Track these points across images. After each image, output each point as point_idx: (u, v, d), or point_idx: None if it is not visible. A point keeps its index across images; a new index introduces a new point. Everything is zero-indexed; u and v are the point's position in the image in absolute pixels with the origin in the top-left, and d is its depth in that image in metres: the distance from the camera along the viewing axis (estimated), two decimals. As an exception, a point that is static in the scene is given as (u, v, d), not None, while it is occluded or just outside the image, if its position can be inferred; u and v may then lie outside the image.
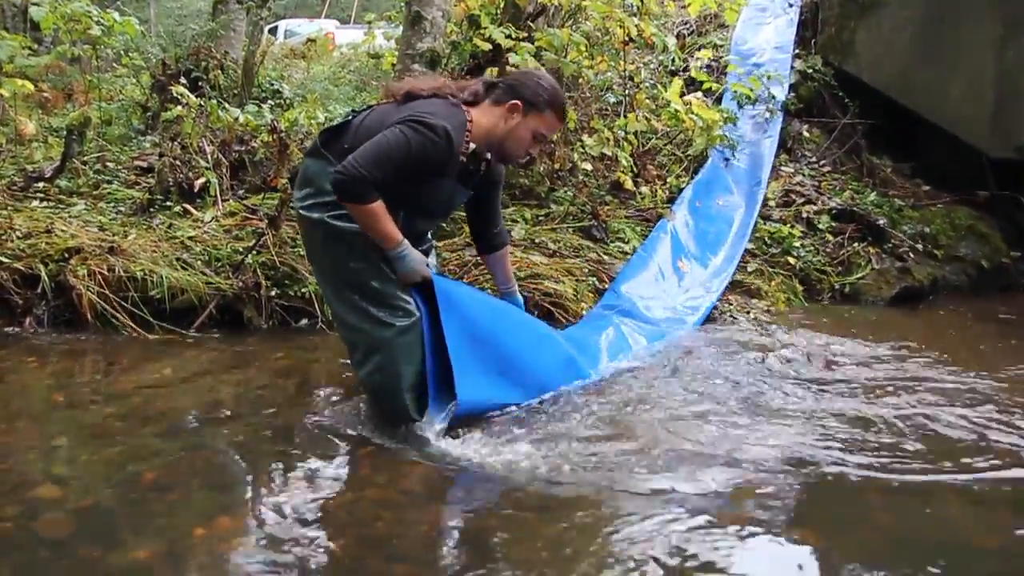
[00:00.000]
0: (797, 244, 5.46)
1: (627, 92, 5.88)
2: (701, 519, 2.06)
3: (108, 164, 5.49)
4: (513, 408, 2.78)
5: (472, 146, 2.62)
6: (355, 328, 2.62)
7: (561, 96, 2.71)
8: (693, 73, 6.18)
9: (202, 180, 4.75)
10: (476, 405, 2.66)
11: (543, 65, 4.99)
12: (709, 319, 4.44)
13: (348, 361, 3.32)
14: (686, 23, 8.37)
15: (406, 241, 2.58)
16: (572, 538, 2.00)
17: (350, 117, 2.71)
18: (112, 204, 4.89)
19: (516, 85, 2.66)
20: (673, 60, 6.56)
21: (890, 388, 3.27)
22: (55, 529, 1.96)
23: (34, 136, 5.94)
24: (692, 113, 5.30)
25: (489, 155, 2.71)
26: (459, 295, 2.76)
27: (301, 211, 2.66)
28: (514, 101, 2.61)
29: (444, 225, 4.46)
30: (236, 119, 4.95)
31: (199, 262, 4.08)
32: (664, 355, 3.67)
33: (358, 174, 2.40)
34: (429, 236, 2.96)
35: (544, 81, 2.69)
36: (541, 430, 2.64)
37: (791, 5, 8.17)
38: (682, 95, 5.38)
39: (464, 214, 4.34)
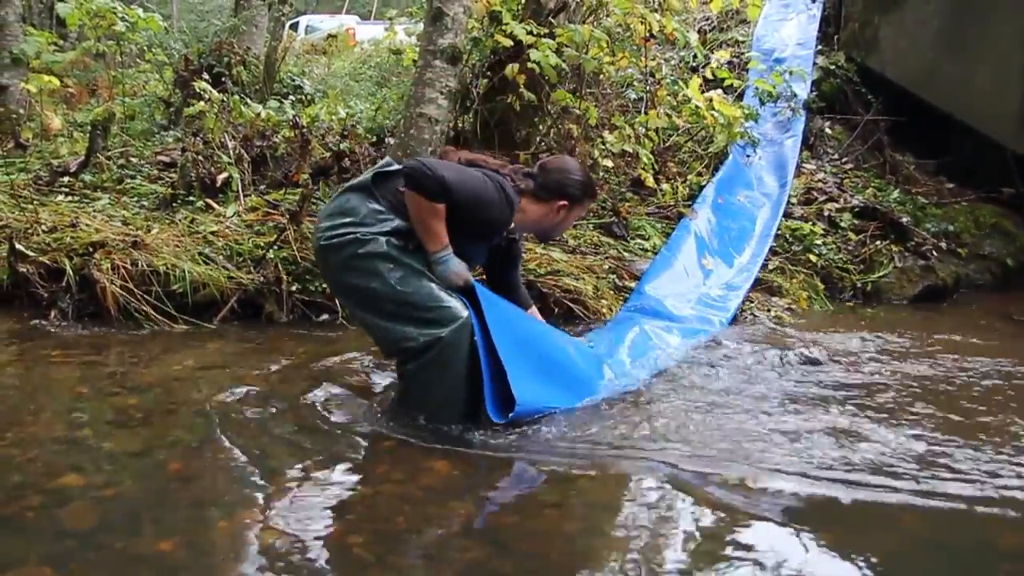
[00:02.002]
0: (819, 242, 5.43)
1: (648, 88, 5.86)
2: (723, 524, 2.05)
3: (132, 159, 5.55)
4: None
5: (513, 225, 2.83)
6: (400, 337, 2.56)
7: (591, 181, 2.99)
8: (709, 73, 6.15)
9: (224, 175, 4.79)
10: (528, 408, 2.61)
11: (564, 61, 4.98)
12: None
13: (368, 357, 3.36)
14: (708, 19, 8.33)
15: (450, 247, 2.59)
16: (594, 536, 2.00)
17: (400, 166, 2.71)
18: (135, 199, 4.93)
19: (559, 185, 2.85)
20: (695, 56, 6.52)
21: (912, 388, 3.24)
22: (79, 519, 1.98)
23: (59, 131, 6.01)
24: (713, 110, 5.27)
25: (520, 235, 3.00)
26: (499, 302, 2.76)
27: (324, 242, 2.62)
28: (562, 202, 2.84)
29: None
30: (258, 115, 4.99)
31: (221, 257, 4.11)
32: (692, 355, 3.65)
33: (437, 175, 2.47)
34: None
35: (578, 175, 2.90)
36: (565, 429, 2.64)
37: (813, 1, 8.11)
38: (702, 91, 5.36)
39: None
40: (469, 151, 3.03)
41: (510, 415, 2.50)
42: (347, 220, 2.60)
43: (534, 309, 3.21)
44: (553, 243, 4.66)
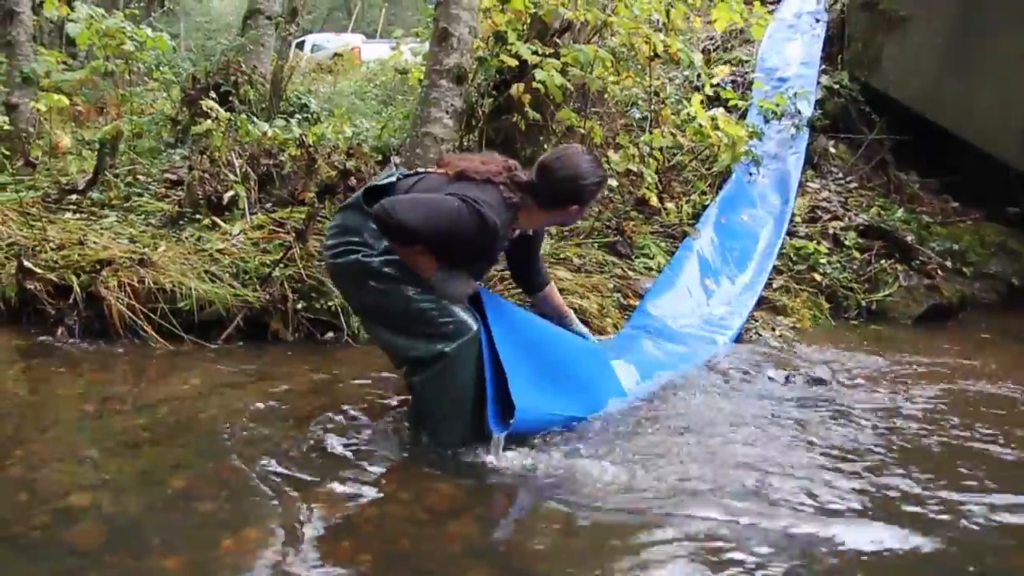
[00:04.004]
0: (823, 261, 5.43)
1: (652, 108, 5.88)
2: (725, 543, 2.05)
3: (139, 177, 5.58)
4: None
5: (518, 232, 2.74)
6: (409, 349, 2.59)
7: (598, 174, 2.74)
8: (708, 89, 6.17)
9: (231, 193, 4.80)
10: (531, 418, 2.60)
11: (569, 81, 5.01)
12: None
13: (374, 376, 3.37)
14: (712, 38, 8.37)
15: (444, 267, 2.59)
16: (598, 557, 2.00)
17: (394, 178, 2.69)
18: (142, 216, 4.95)
19: (571, 193, 2.68)
20: (699, 76, 6.56)
21: (918, 407, 3.24)
22: (85, 538, 1.99)
23: (68, 149, 6.05)
24: (718, 129, 5.29)
25: (532, 231, 2.87)
26: (506, 308, 2.76)
27: (332, 260, 2.65)
28: (574, 206, 2.71)
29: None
30: (264, 133, 5.01)
31: (227, 274, 4.12)
32: (696, 376, 3.65)
33: (404, 221, 2.38)
34: None
35: (589, 177, 2.68)
36: (569, 449, 2.64)
37: (818, 20, 8.16)
38: (705, 109, 5.39)
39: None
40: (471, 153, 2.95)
41: (511, 422, 2.49)
42: (350, 239, 2.61)
43: (552, 287, 3.19)
44: (558, 262, 4.68)
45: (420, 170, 2.85)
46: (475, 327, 2.57)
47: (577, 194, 2.69)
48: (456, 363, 2.55)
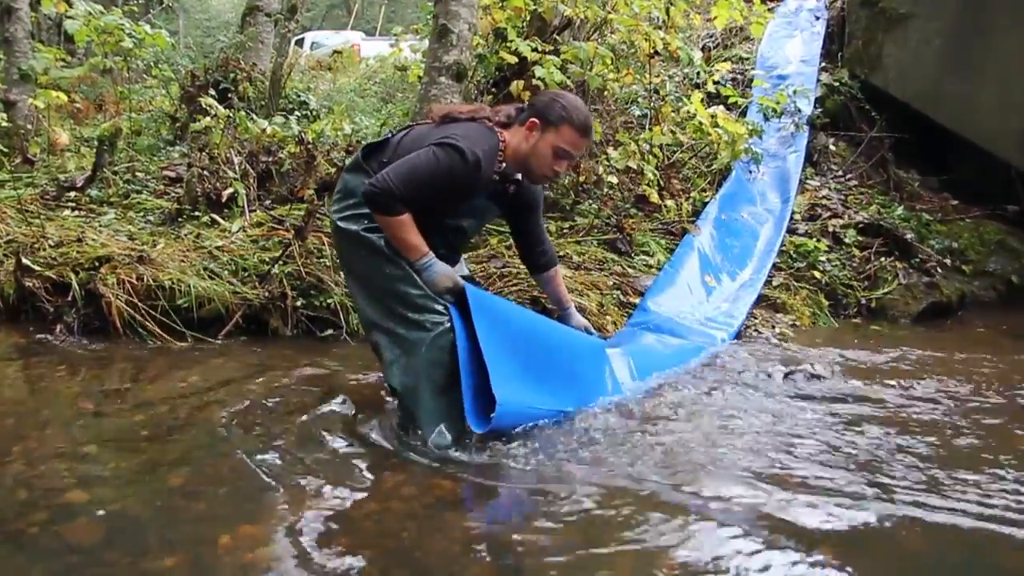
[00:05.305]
0: (823, 258, 5.43)
1: (652, 105, 5.88)
2: (726, 536, 2.04)
3: (138, 174, 5.57)
4: (543, 421, 2.76)
5: (503, 165, 2.72)
6: (388, 332, 2.64)
7: (580, 112, 2.70)
8: (710, 87, 6.17)
9: (230, 190, 4.80)
10: (514, 413, 2.60)
11: (569, 78, 5.00)
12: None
13: (373, 372, 3.36)
14: (711, 36, 8.36)
15: (431, 253, 2.63)
16: (599, 552, 1.99)
17: (389, 135, 2.83)
18: (141, 214, 4.95)
19: (535, 104, 2.75)
20: (698, 73, 6.56)
21: (915, 405, 3.23)
22: (83, 535, 1.98)
23: (67, 146, 6.04)
24: (718, 126, 5.29)
25: (519, 176, 2.81)
26: (492, 303, 2.74)
27: (338, 222, 2.74)
28: (532, 119, 2.69)
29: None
30: (263, 130, 5.01)
31: (226, 272, 4.11)
32: (695, 371, 3.65)
33: (387, 187, 2.50)
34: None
35: (563, 99, 2.72)
36: (570, 443, 2.63)
37: (817, 18, 8.16)
38: (705, 107, 5.38)
39: (491, 225, 4.42)
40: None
41: (492, 416, 2.47)
42: (350, 202, 2.71)
43: (559, 268, 3.23)
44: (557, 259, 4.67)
45: (410, 123, 2.93)
46: (447, 325, 2.59)
47: (542, 108, 2.69)
48: (431, 354, 2.58)
